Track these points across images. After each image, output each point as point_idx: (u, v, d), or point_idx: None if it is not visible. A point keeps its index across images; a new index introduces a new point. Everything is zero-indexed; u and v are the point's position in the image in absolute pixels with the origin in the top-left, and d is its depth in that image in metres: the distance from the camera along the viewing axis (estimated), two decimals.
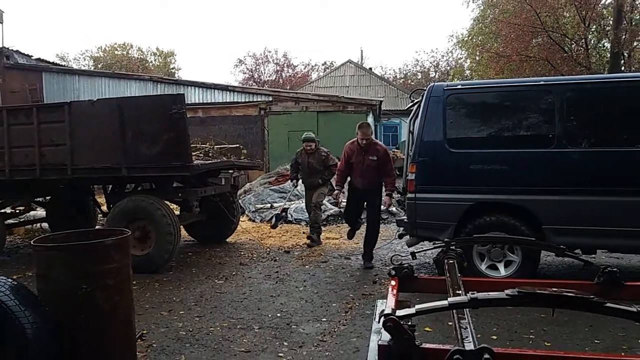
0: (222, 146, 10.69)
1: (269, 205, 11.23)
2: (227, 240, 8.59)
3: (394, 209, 10.72)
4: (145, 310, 4.90)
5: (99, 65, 40.02)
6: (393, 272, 2.53)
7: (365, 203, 6.86)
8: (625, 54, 18.36)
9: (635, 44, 18.90)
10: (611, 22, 18.12)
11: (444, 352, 1.49)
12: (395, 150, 20.47)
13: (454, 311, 1.73)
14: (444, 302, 1.66)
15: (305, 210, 9.01)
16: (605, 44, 20.70)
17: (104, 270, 3.13)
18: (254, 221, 10.79)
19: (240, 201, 10.86)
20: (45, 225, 9.26)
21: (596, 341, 3.94)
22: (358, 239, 7.26)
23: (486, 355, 1.39)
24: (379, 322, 1.72)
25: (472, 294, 1.63)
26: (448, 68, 42.47)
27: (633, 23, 18.25)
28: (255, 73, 45.68)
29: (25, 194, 7.95)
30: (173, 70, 45.53)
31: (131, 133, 6.38)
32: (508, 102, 5.71)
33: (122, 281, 3.26)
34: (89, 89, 18.15)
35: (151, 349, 3.93)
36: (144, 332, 4.21)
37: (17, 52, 20.52)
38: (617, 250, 5.75)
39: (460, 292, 2.11)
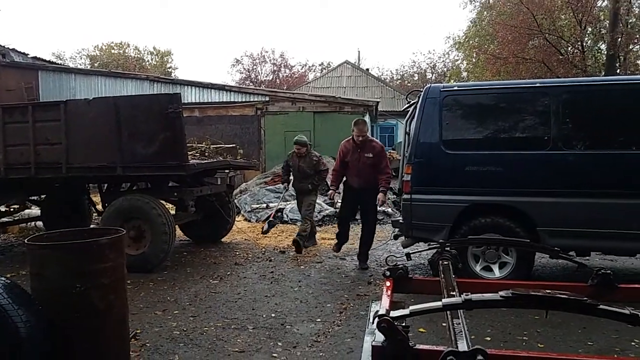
0: (218, 146, 10.68)
1: (264, 205, 11.22)
2: (223, 240, 8.58)
3: (389, 209, 10.73)
4: (140, 309, 4.89)
5: (96, 64, 39.89)
6: (388, 273, 2.53)
7: (361, 204, 6.73)
8: (620, 57, 18.43)
9: (631, 46, 18.98)
10: (607, 24, 18.19)
11: (437, 353, 1.49)
12: (392, 151, 20.49)
13: (448, 312, 1.73)
14: (438, 303, 1.66)
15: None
16: (602, 46, 20.79)
17: (98, 270, 3.12)
18: (249, 221, 10.78)
19: (236, 201, 10.85)
20: (39, 223, 9.21)
21: (589, 343, 3.96)
22: (353, 240, 7.25)
23: (479, 357, 1.40)
24: (373, 322, 1.72)
25: (466, 295, 1.64)
26: (445, 69, 42.60)
27: (629, 26, 18.33)
28: (252, 73, 45.68)
29: (19, 193, 7.91)
30: (170, 70, 45.45)
31: (127, 132, 6.37)
32: (504, 104, 5.72)
33: (116, 280, 3.25)
34: (86, 87, 18.09)
35: (145, 348, 3.92)
36: (138, 331, 4.21)
37: (13, 50, 20.48)
38: (611, 252, 5.79)
39: (454, 293, 2.11)
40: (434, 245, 3.02)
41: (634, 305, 1.62)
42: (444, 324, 1.81)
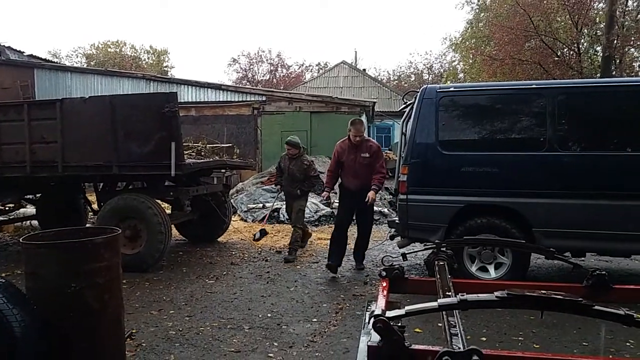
0: (214, 145, 10.70)
1: (261, 205, 11.21)
2: (219, 239, 8.57)
3: (385, 209, 10.74)
4: (135, 309, 4.88)
5: (92, 63, 39.79)
6: (384, 273, 2.54)
7: (358, 205, 6.35)
8: (616, 59, 18.51)
9: (626, 49, 19.06)
10: (603, 27, 18.26)
11: (433, 353, 1.49)
12: (388, 151, 20.52)
13: (444, 313, 1.74)
14: (434, 304, 1.66)
15: None
16: (597, 48, 20.86)
17: (93, 269, 3.11)
18: (245, 221, 10.77)
19: (232, 201, 10.84)
20: (35, 222, 9.18)
21: (584, 343, 3.97)
22: (350, 239, 7.25)
23: (475, 357, 1.40)
24: (369, 322, 1.73)
25: (462, 295, 1.64)
26: (441, 70, 42.75)
27: (625, 28, 18.40)
28: (249, 72, 45.69)
29: (15, 191, 7.87)
30: (166, 69, 45.37)
31: (123, 131, 6.35)
32: (500, 105, 5.73)
33: (111, 280, 3.24)
34: (82, 86, 18.05)
35: (140, 348, 3.91)
36: (134, 331, 4.20)
37: (9, 48, 20.41)
38: (606, 253, 5.80)
39: (450, 293, 2.11)
40: (430, 246, 3.02)
41: (628, 306, 1.63)
42: (439, 324, 1.81)
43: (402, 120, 6.85)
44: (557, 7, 19.91)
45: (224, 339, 4.10)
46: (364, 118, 16.16)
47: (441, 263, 2.64)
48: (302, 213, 7.38)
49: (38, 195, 8.90)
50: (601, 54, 18.45)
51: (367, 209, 6.40)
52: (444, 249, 2.85)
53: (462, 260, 5.34)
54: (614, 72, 17.93)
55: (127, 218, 6.44)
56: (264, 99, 16.83)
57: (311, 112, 16.31)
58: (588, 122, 5.53)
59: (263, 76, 45.27)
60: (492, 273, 5.42)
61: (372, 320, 1.60)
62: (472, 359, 1.40)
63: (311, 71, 47.32)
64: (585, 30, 20.59)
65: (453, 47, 31.56)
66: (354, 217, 6.67)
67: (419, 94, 5.86)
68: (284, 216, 10.25)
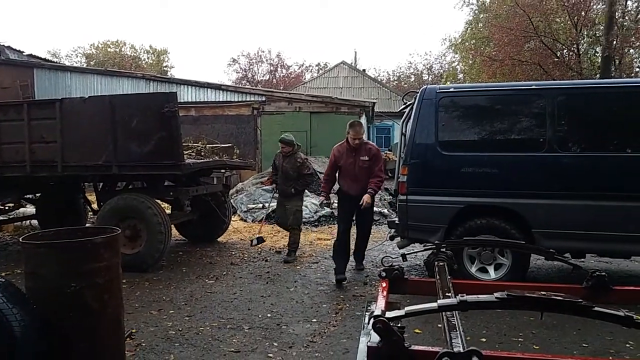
0: (214, 145, 10.68)
1: (260, 205, 11.20)
2: (219, 239, 8.57)
3: (385, 210, 10.74)
4: (135, 309, 4.88)
5: (92, 62, 39.79)
6: (384, 274, 2.54)
7: (358, 209, 6.16)
8: (616, 60, 18.52)
9: (626, 49, 19.08)
10: (602, 27, 18.28)
11: (432, 354, 1.50)
12: (388, 152, 20.54)
13: (444, 313, 1.74)
14: (434, 304, 1.66)
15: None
16: (597, 49, 20.87)
17: (93, 269, 3.11)
18: (245, 221, 10.76)
19: (232, 201, 10.83)
20: (35, 222, 9.18)
21: (584, 345, 3.97)
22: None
23: (475, 358, 1.40)
24: (368, 323, 1.73)
25: (461, 296, 1.64)
26: (441, 71, 42.75)
27: (624, 29, 18.41)
28: (249, 73, 45.70)
29: (14, 191, 7.87)
30: (166, 69, 45.37)
31: (123, 131, 6.35)
32: (500, 106, 5.73)
33: (111, 280, 3.24)
34: (81, 86, 18.03)
35: (140, 348, 3.91)
36: (133, 331, 4.20)
37: (9, 47, 20.39)
38: (606, 254, 5.80)
39: (450, 294, 2.12)
40: (430, 246, 3.02)
41: (628, 307, 1.63)
42: (439, 325, 1.81)
43: (401, 120, 6.85)
44: (556, 8, 19.92)
45: (223, 339, 4.10)
46: (363, 119, 16.18)
47: (441, 264, 2.65)
48: (299, 214, 7.26)
49: (38, 195, 8.90)
50: (601, 55, 18.46)
51: (367, 210, 6.27)
52: (443, 249, 2.85)
53: (461, 261, 5.34)
54: (613, 73, 17.94)
55: (127, 218, 6.44)
56: (263, 99, 16.82)
57: (311, 113, 16.30)
58: (588, 123, 5.53)
59: (263, 76, 45.32)
60: (492, 274, 5.42)
61: (371, 320, 1.61)
62: None
63: (311, 71, 47.38)
64: (585, 31, 20.60)
65: (453, 48, 31.58)
66: (354, 218, 6.56)
67: (418, 94, 5.85)
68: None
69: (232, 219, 9.17)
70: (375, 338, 1.63)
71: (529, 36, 20.24)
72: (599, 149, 5.33)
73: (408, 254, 3.26)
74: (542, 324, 4.23)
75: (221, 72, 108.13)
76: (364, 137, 6.43)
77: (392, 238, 6.66)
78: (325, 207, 10.27)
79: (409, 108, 6.42)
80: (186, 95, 17.03)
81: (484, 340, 4.05)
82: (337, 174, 6.46)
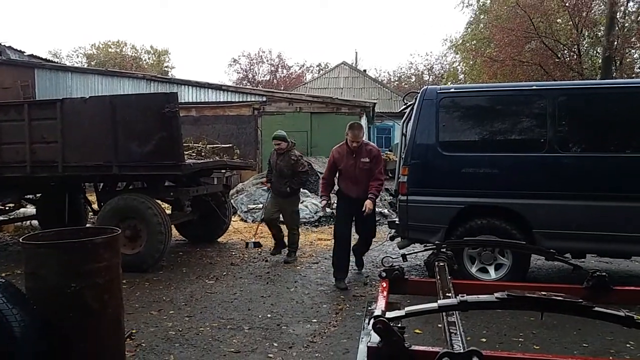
0: (214, 146, 10.66)
1: (261, 205, 11.20)
2: (219, 240, 8.57)
3: (386, 210, 10.73)
4: (135, 309, 4.87)
5: (92, 63, 39.82)
6: (384, 274, 2.54)
7: (359, 214, 5.93)
8: (617, 60, 18.51)
9: (627, 50, 19.07)
10: (603, 28, 18.28)
11: (432, 354, 1.49)
12: (388, 152, 20.53)
13: (444, 313, 1.74)
14: (434, 305, 1.66)
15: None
16: (598, 49, 20.87)
17: (93, 269, 3.11)
18: (245, 221, 10.77)
19: (232, 201, 10.84)
20: (35, 222, 9.19)
21: (584, 345, 3.97)
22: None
23: (475, 358, 1.40)
24: (369, 323, 1.73)
25: (462, 296, 1.64)
26: (442, 71, 42.69)
27: (625, 29, 18.41)
28: (250, 73, 45.73)
29: (15, 191, 7.88)
30: (167, 69, 45.39)
31: (123, 131, 6.35)
32: (500, 106, 5.73)
33: (111, 280, 3.24)
34: (82, 86, 18.04)
35: (140, 348, 3.91)
36: (133, 331, 4.20)
37: (10, 47, 20.42)
38: (607, 254, 5.80)
39: (450, 294, 2.12)
40: (430, 247, 3.02)
41: (629, 308, 1.63)
42: (439, 325, 1.81)
43: (402, 121, 6.85)
44: (557, 8, 19.92)
45: (223, 340, 4.10)
46: (364, 119, 16.16)
47: (441, 264, 2.65)
48: (296, 215, 7.21)
49: (38, 195, 8.91)
50: (601, 56, 18.47)
51: (368, 220, 6.08)
52: (444, 249, 2.85)
53: (462, 261, 5.34)
54: (614, 74, 17.94)
55: (127, 218, 6.44)
56: (264, 99, 16.82)
57: (311, 113, 16.29)
58: (588, 124, 5.53)
59: (263, 77, 45.35)
60: (492, 274, 5.41)
61: (372, 321, 1.61)
62: None
63: (311, 72, 47.40)
64: (586, 32, 20.59)
65: (453, 49, 31.56)
66: (354, 222, 6.32)
67: (419, 95, 5.85)
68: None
69: (233, 219, 9.17)
70: (375, 338, 1.63)
71: (529, 37, 20.24)
72: (599, 150, 5.33)
73: (408, 254, 3.26)
74: (543, 324, 4.22)
75: (222, 72, 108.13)
76: (364, 137, 6.33)
77: (392, 238, 6.65)
78: (327, 209, 10.26)
79: (409, 108, 6.42)
80: (187, 95, 17.03)
81: (484, 340, 4.04)
82: (335, 177, 6.33)
